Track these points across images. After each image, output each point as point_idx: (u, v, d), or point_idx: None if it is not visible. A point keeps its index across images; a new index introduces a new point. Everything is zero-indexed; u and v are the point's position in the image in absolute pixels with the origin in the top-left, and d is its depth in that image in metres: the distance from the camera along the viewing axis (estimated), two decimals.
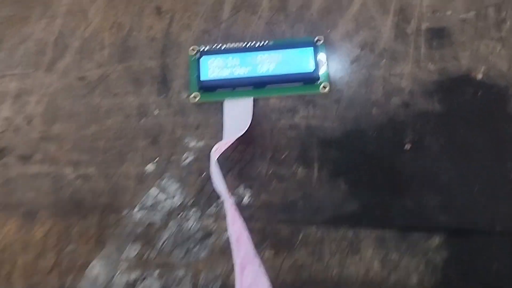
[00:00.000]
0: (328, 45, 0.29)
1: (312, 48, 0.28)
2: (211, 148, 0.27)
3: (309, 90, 0.28)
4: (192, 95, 0.28)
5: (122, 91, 0.29)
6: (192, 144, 0.28)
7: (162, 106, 0.29)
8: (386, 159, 0.26)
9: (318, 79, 0.28)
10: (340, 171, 0.26)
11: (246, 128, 0.26)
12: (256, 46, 0.29)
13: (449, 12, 0.29)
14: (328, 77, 0.28)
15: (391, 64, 0.28)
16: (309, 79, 0.28)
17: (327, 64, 0.28)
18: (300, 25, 0.30)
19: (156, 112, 0.28)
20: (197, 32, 0.30)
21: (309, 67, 0.27)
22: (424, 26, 0.29)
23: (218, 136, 0.27)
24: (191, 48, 0.29)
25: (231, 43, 0.29)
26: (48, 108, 0.29)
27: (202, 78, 0.28)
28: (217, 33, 0.30)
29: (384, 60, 0.28)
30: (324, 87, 0.28)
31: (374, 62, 0.28)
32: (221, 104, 0.28)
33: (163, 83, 0.29)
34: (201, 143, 0.28)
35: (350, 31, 0.29)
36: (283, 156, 0.27)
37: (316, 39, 0.29)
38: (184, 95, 0.29)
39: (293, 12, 0.30)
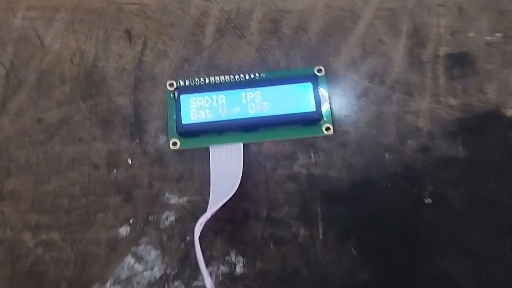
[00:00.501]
0: (330, 77, 0.25)
1: (311, 83, 0.23)
2: (196, 205, 0.23)
3: (310, 132, 0.24)
4: (172, 141, 0.24)
5: (88, 136, 0.24)
6: (174, 200, 0.23)
7: (136, 154, 0.24)
8: (402, 216, 0.22)
9: (320, 119, 0.23)
10: (349, 232, 0.22)
11: (237, 185, 0.22)
12: (245, 80, 0.24)
13: (471, 34, 0.25)
14: (331, 116, 0.24)
15: (405, 99, 0.24)
16: (310, 120, 0.23)
17: (329, 100, 0.24)
18: (296, 51, 0.25)
19: (129, 161, 0.24)
20: (175, 61, 0.25)
21: (309, 105, 0.23)
22: (442, 51, 0.25)
23: (204, 190, 0.23)
24: (168, 83, 0.25)
25: (216, 75, 0.25)
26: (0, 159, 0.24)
27: (183, 121, 0.23)
28: (199, 62, 0.25)
29: (396, 94, 0.24)
30: (327, 129, 0.24)
31: (385, 97, 0.24)
32: (207, 150, 0.24)
33: (137, 125, 0.25)
34: (184, 199, 0.23)
35: (355, 59, 0.25)
36: (282, 214, 0.23)
37: (316, 69, 0.24)
38: (162, 140, 0.24)
39: (287, 36, 0.25)
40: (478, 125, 0.23)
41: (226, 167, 0.23)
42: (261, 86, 0.24)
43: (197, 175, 0.24)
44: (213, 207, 0.21)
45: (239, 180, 0.22)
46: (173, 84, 0.25)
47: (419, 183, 0.23)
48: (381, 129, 0.24)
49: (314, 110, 0.23)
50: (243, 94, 0.23)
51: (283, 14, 0.26)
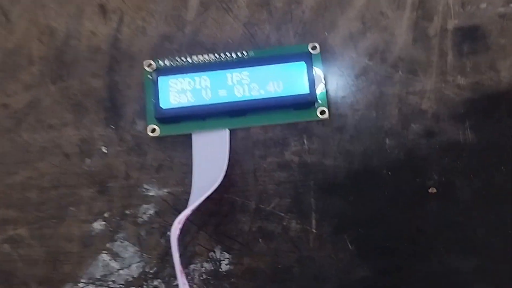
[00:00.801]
0: (326, 54, 0.22)
1: (304, 62, 0.21)
2: (177, 198, 0.21)
3: (303, 117, 0.21)
4: (150, 128, 0.22)
5: (59, 121, 0.22)
6: (153, 192, 0.21)
7: (112, 142, 0.22)
8: (404, 208, 0.20)
9: (314, 102, 0.21)
10: (346, 226, 0.20)
11: (222, 176, 0.20)
12: (231, 59, 0.22)
13: (483, 5, 0.22)
14: (326, 98, 0.22)
15: (408, 78, 0.22)
16: (303, 103, 0.21)
17: (325, 81, 0.22)
18: (289, 26, 0.23)
19: (104, 149, 0.22)
20: (155, 39, 0.23)
21: (303, 87, 0.21)
22: (451, 24, 0.22)
23: (185, 180, 0.21)
24: (147, 63, 0.22)
25: (199, 54, 0.22)
26: None
27: (162, 105, 0.21)
28: (181, 39, 0.23)
29: (399, 73, 0.22)
30: (322, 113, 0.21)
31: (387, 76, 0.22)
32: (189, 137, 0.21)
33: (112, 109, 0.22)
34: (163, 191, 0.21)
35: (354, 34, 0.22)
36: (271, 206, 0.21)
37: (310, 47, 0.22)
38: (140, 126, 0.22)
39: (278, 9, 0.23)
40: (489, 107, 0.21)
41: (210, 156, 0.21)
42: (248, 66, 0.21)
43: (178, 164, 0.21)
44: (194, 202, 0.19)
45: (225, 171, 0.20)
46: (151, 64, 0.22)
47: (423, 171, 0.21)
48: (382, 112, 0.21)
49: (308, 92, 0.21)
50: (228, 75, 0.21)
51: None
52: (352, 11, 0.23)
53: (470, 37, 0.22)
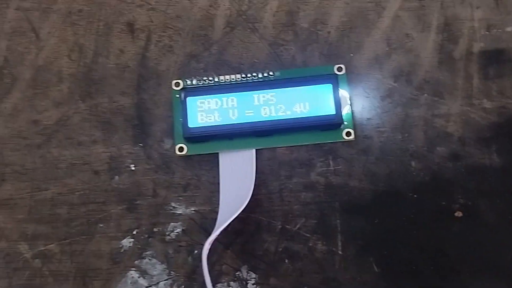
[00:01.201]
0: (352, 76, 0.22)
1: (331, 83, 0.21)
2: (204, 216, 0.21)
3: (329, 138, 0.22)
4: (178, 147, 0.22)
5: (88, 139, 0.23)
6: (180, 210, 0.22)
7: (140, 160, 0.22)
8: (429, 230, 0.21)
9: (341, 123, 0.21)
10: (371, 247, 0.21)
11: (249, 196, 0.20)
12: (258, 80, 0.22)
13: (509, 28, 0.22)
14: (352, 120, 0.22)
15: (434, 101, 0.22)
16: (329, 124, 0.21)
17: (350, 102, 0.22)
18: (314, 46, 0.23)
19: (132, 167, 0.22)
20: (181, 57, 0.23)
21: (329, 108, 0.21)
22: (476, 47, 0.22)
23: (213, 199, 0.22)
24: (174, 82, 0.23)
25: (226, 74, 0.22)
26: None
27: (190, 125, 0.21)
28: (207, 58, 0.23)
29: (424, 95, 0.22)
30: (348, 134, 0.22)
31: (412, 98, 0.22)
32: (216, 156, 0.22)
33: (140, 128, 0.23)
34: (191, 209, 0.22)
35: (379, 56, 0.23)
36: (297, 226, 0.21)
37: (336, 68, 0.22)
38: (168, 145, 0.22)
39: (304, 30, 0.23)
40: None
41: (237, 176, 0.21)
42: (275, 87, 0.21)
43: (206, 182, 0.22)
44: (222, 222, 0.19)
45: (252, 190, 0.20)
46: (179, 84, 0.23)
47: (449, 194, 0.21)
48: (407, 134, 0.22)
49: (334, 113, 0.21)
50: (255, 96, 0.21)
51: (300, 5, 0.24)
52: (377, 33, 0.23)
53: (496, 60, 0.22)
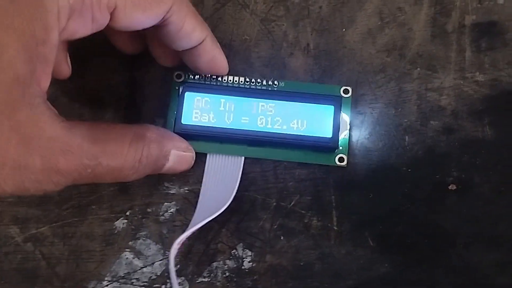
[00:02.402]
0: (357, 98, 0.22)
1: (333, 105, 0.20)
2: (198, 195, 0.21)
3: (321, 159, 0.21)
4: None
5: (77, 118, 0.22)
6: (174, 190, 0.21)
7: None
8: (424, 204, 0.21)
9: (336, 148, 0.21)
10: (366, 222, 0.21)
11: (228, 203, 0.20)
12: (261, 86, 0.21)
13: (501, 1, 0.22)
14: (348, 146, 0.21)
15: (427, 75, 0.22)
16: (323, 147, 0.21)
17: (350, 127, 0.21)
18: (306, 22, 0.23)
19: None
20: None
21: (326, 130, 0.20)
22: (469, 20, 0.22)
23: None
24: (176, 74, 0.22)
25: (227, 78, 0.21)
26: None
27: (184, 121, 0.21)
28: None
29: (418, 69, 0.22)
30: (341, 160, 0.21)
31: (405, 73, 0.22)
32: (204, 156, 0.21)
33: (132, 106, 0.22)
34: (184, 189, 0.21)
35: (372, 30, 0.22)
36: (292, 203, 0.21)
37: (342, 89, 0.21)
38: (159, 123, 0.22)
39: (295, 5, 0.23)
40: (507, 103, 0.21)
41: (220, 180, 0.21)
42: (276, 98, 0.21)
43: (198, 161, 0.21)
44: (195, 224, 0.19)
45: (232, 197, 0.20)
46: (180, 76, 0.22)
47: (443, 167, 0.21)
48: (401, 109, 0.22)
49: (331, 136, 0.20)
50: (254, 103, 0.21)
51: None
52: (370, 7, 0.23)
53: (488, 33, 0.22)
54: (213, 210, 0.19)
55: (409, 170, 0.21)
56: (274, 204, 0.21)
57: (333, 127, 0.20)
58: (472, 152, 0.21)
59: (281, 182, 0.21)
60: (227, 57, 0.21)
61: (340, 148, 0.21)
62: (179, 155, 0.20)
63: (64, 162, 0.16)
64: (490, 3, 0.22)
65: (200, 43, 0.20)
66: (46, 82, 0.16)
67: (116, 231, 0.21)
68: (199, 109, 0.21)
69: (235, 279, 0.20)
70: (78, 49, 0.23)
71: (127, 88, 0.22)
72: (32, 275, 0.21)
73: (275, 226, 0.21)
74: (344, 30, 0.22)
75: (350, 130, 0.21)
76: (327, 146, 0.20)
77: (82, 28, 0.17)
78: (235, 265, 0.21)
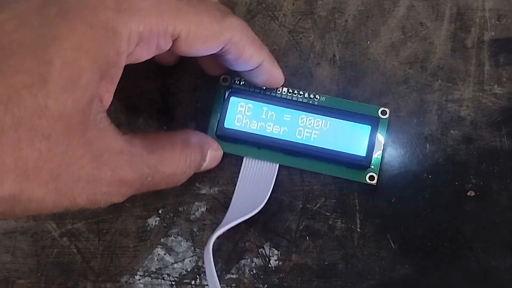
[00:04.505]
0: (395, 120, 0.23)
1: (370, 125, 0.21)
2: (227, 196, 0.22)
3: (352, 175, 0.22)
4: None
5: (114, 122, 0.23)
6: (204, 190, 0.22)
7: None
8: (443, 209, 0.22)
9: (368, 167, 0.22)
10: (388, 225, 0.22)
11: (261, 207, 0.21)
12: (302, 99, 0.22)
13: None
14: (380, 166, 0.22)
15: (447, 87, 0.23)
16: (356, 164, 0.21)
17: (384, 148, 0.22)
18: (332, 34, 0.24)
19: None
20: None
21: (361, 149, 0.21)
22: (487, 36, 0.23)
23: (234, 180, 0.22)
24: (222, 77, 0.23)
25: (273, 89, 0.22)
26: None
27: (226, 125, 0.22)
28: None
29: (439, 81, 0.23)
30: (371, 178, 0.22)
31: (427, 84, 0.23)
32: (240, 159, 0.22)
33: (164, 111, 0.23)
34: (214, 189, 0.22)
35: (395, 43, 0.23)
36: (317, 205, 0.22)
37: (380, 110, 0.22)
38: (191, 127, 0.23)
39: (322, 18, 0.24)
40: None
41: (255, 184, 0.22)
42: (316, 113, 0.22)
43: (228, 164, 0.23)
44: (228, 223, 0.20)
45: (265, 202, 0.21)
46: (227, 79, 0.23)
47: (462, 175, 0.22)
48: (422, 118, 0.23)
49: (364, 155, 0.21)
50: (294, 115, 0.22)
51: None
52: (393, 21, 0.24)
53: (506, 48, 0.23)
54: (245, 211, 0.20)
55: (430, 176, 0.22)
56: (300, 206, 0.22)
57: (367, 146, 0.21)
58: (490, 160, 0.22)
59: (307, 185, 0.22)
60: None
61: (372, 167, 0.22)
62: (213, 154, 0.21)
63: (130, 173, 0.17)
64: (508, 20, 0.23)
65: (258, 66, 0.20)
66: (108, 100, 0.17)
67: (148, 228, 0.22)
68: (242, 114, 0.22)
69: (261, 277, 0.21)
70: None
71: (160, 94, 0.24)
72: (67, 269, 0.22)
73: (301, 227, 0.22)
74: (368, 42, 0.24)
75: (383, 151, 0.22)
76: (360, 164, 0.21)
77: (146, 54, 0.18)
78: (262, 263, 0.22)
